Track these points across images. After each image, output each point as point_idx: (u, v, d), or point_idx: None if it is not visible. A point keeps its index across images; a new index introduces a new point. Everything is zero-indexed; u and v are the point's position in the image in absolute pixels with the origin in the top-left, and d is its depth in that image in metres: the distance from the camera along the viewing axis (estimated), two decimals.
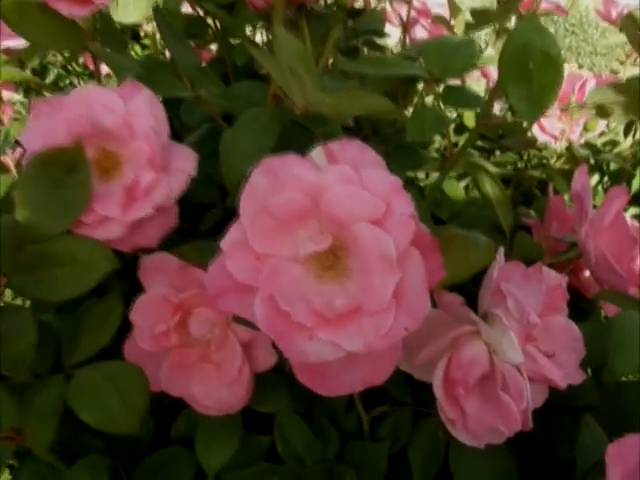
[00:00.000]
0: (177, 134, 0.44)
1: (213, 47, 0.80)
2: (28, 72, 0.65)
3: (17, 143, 0.64)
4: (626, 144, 0.89)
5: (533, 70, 0.37)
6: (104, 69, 0.71)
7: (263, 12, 0.57)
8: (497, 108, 0.90)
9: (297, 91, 0.35)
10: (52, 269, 0.37)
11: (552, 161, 0.82)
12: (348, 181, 0.27)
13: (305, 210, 0.28)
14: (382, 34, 0.76)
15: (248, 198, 0.28)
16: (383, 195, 0.26)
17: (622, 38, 0.82)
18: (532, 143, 0.79)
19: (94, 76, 1.28)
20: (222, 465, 0.42)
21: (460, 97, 0.51)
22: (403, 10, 0.83)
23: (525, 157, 0.85)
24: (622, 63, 0.97)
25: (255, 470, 0.44)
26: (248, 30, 0.73)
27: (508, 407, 0.33)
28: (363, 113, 0.37)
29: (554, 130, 0.81)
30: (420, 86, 0.67)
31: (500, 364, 0.34)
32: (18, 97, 0.79)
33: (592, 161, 0.84)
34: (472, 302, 0.37)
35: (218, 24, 0.65)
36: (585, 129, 0.83)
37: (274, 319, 0.27)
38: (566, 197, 0.70)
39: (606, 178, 0.88)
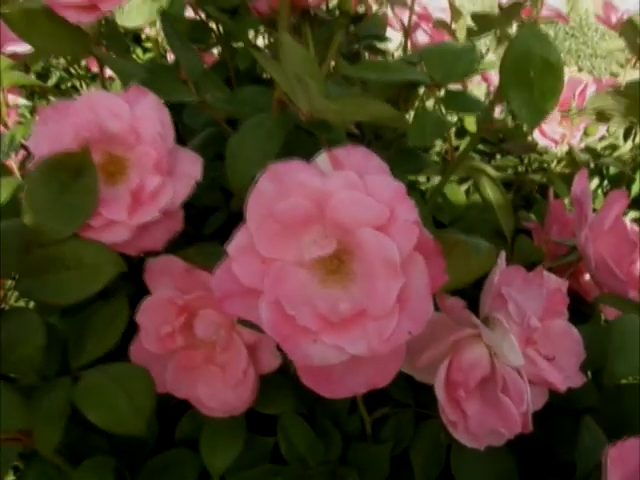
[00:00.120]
0: (180, 138, 0.45)
1: (214, 50, 0.81)
2: (32, 76, 0.66)
3: (20, 146, 0.65)
4: (626, 148, 0.89)
5: (534, 77, 0.37)
6: (107, 71, 0.72)
7: (267, 17, 0.58)
8: (497, 111, 0.90)
9: (302, 97, 0.36)
10: (59, 273, 0.38)
11: (552, 165, 0.83)
12: (353, 187, 0.27)
13: (310, 215, 0.28)
14: (383, 38, 0.76)
15: (254, 203, 0.28)
16: (387, 201, 0.27)
17: (622, 43, 0.82)
18: (533, 147, 0.80)
19: (95, 79, 1.29)
20: (227, 466, 0.43)
21: (461, 102, 0.52)
22: (404, 15, 0.83)
23: (526, 161, 0.85)
24: (622, 66, 0.97)
25: (259, 471, 0.45)
26: (250, 34, 0.74)
27: (508, 409, 0.34)
28: (367, 119, 0.38)
29: (554, 134, 0.81)
30: (421, 90, 0.68)
31: (501, 367, 0.35)
32: (23, 101, 0.80)
33: (592, 165, 0.85)
34: (473, 306, 0.37)
35: (221, 28, 0.66)
36: (585, 133, 0.84)
37: (279, 322, 0.27)
38: (566, 201, 0.70)
39: (606, 182, 0.89)
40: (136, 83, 0.42)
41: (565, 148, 0.82)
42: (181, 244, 0.42)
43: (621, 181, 0.84)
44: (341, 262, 0.29)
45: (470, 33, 0.75)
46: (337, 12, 0.55)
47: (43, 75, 1.29)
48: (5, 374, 0.37)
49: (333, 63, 0.57)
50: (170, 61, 0.93)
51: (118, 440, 0.45)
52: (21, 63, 0.63)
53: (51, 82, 1.27)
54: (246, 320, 0.29)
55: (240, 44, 0.67)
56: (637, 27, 0.65)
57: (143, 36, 1.25)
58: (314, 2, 0.51)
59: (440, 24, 0.82)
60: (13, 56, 0.59)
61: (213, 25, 0.66)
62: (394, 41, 0.87)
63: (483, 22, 0.78)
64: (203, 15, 0.65)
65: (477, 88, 1.07)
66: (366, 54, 0.77)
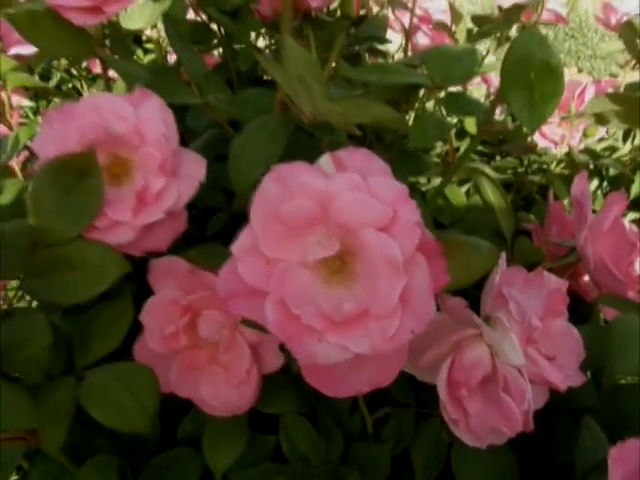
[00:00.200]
0: (182, 139, 0.45)
1: (215, 52, 0.81)
2: (36, 78, 0.66)
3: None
4: (625, 150, 0.90)
5: (534, 80, 0.37)
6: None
7: (269, 20, 0.58)
8: (497, 112, 0.91)
9: (305, 100, 0.36)
10: (64, 273, 0.38)
11: (552, 166, 0.83)
12: (356, 189, 0.28)
13: (314, 216, 0.28)
14: (384, 40, 0.76)
15: (259, 205, 0.29)
16: (390, 202, 0.27)
17: (621, 44, 0.83)
18: (532, 148, 0.80)
19: (96, 80, 1.29)
20: (229, 465, 0.43)
21: (462, 104, 0.52)
22: (405, 17, 0.84)
23: (525, 162, 0.86)
24: (621, 67, 0.97)
25: (261, 470, 0.45)
26: (251, 35, 0.74)
27: (510, 408, 0.34)
28: (369, 122, 0.38)
29: (554, 136, 0.82)
30: (421, 92, 0.68)
31: (502, 366, 0.35)
32: (27, 102, 0.80)
33: (591, 166, 0.85)
34: (473, 306, 0.37)
35: (222, 30, 0.66)
36: (585, 135, 0.84)
37: (284, 322, 0.27)
38: (566, 202, 0.71)
39: (605, 183, 0.89)
40: (140, 85, 0.42)
41: (564, 149, 0.82)
42: (183, 245, 0.43)
43: (620, 182, 0.84)
44: (344, 263, 0.29)
45: (471, 38, 0.76)
46: (338, 14, 0.55)
47: (44, 76, 1.29)
48: (11, 373, 0.37)
49: (334, 65, 0.58)
50: (171, 62, 0.94)
51: (121, 439, 0.46)
52: (24, 65, 0.64)
53: (52, 83, 1.28)
54: (249, 320, 0.29)
55: (241, 45, 0.67)
56: (636, 29, 0.65)
57: (144, 37, 1.26)
58: (317, 5, 0.51)
59: (440, 26, 0.83)
60: (17, 58, 0.59)
61: (214, 27, 0.66)
62: (394, 42, 0.88)
63: (483, 24, 0.79)
64: (204, 17, 0.65)
65: (477, 89, 1.08)
66: (366, 56, 0.77)
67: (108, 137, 0.39)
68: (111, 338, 0.41)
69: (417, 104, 0.73)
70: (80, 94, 1.28)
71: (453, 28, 0.82)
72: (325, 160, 0.30)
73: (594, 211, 0.51)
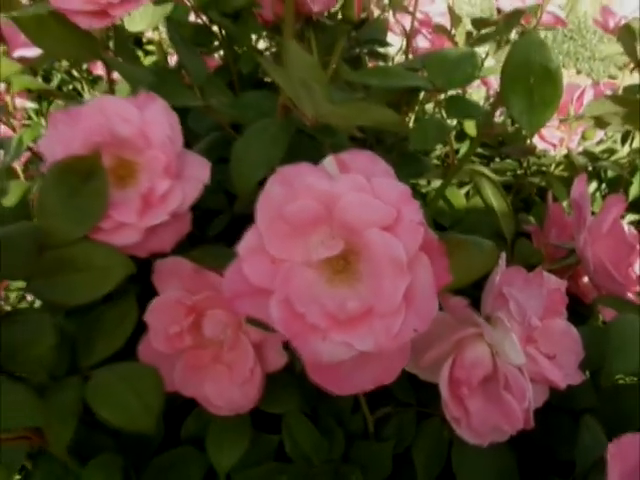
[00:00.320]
0: (184, 141, 0.46)
1: (215, 54, 0.82)
2: (40, 80, 0.67)
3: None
4: (623, 152, 0.90)
5: (534, 84, 0.38)
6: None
7: (272, 24, 0.58)
8: (497, 114, 0.91)
9: (307, 102, 0.37)
10: (70, 274, 0.38)
11: (551, 168, 0.84)
12: (360, 189, 0.28)
13: (318, 217, 0.29)
14: (384, 43, 0.77)
15: (264, 205, 0.29)
16: (393, 203, 0.28)
17: (620, 47, 0.83)
18: (531, 151, 0.81)
19: (97, 81, 1.29)
20: (233, 464, 0.43)
21: (462, 107, 0.52)
22: (405, 19, 0.84)
23: (524, 164, 0.86)
24: (620, 69, 0.98)
25: (264, 470, 0.45)
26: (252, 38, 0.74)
27: (510, 406, 0.35)
28: (371, 124, 0.39)
29: (553, 138, 0.82)
30: (421, 94, 0.68)
31: (502, 365, 0.35)
32: (30, 104, 0.81)
33: (590, 168, 0.85)
34: (473, 306, 0.38)
35: (223, 33, 0.66)
36: (583, 138, 0.84)
37: (289, 320, 0.28)
38: (565, 204, 0.71)
39: (604, 185, 0.89)
40: (143, 88, 0.43)
41: (563, 152, 0.82)
42: (185, 246, 0.43)
43: (619, 184, 0.84)
44: (348, 262, 0.30)
45: (470, 39, 0.76)
46: (339, 18, 0.56)
47: (45, 77, 1.30)
48: (17, 373, 0.37)
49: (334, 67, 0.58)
50: (171, 64, 0.94)
51: (124, 439, 0.46)
52: (27, 66, 0.64)
53: (52, 84, 1.28)
54: (254, 319, 0.30)
55: (242, 48, 0.68)
56: (634, 33, 0.66)
57: (144, 39, 1.26)
58: (318, 9, 0.52)
59: (440, 29, 0.83)
60: (21, 60, 0.60)
61: (215, 29, 0.67)
62: (394, 45, 0.88)
63: (482, 27, 0.79)
64: (205, 19, 0.66)
65: (476, 92, 1.08)
66: (367, 58, 0.77)
67: (113, 139, 0.40)
68: (116, 338, 0.41)
69: (417, 106, 0.74)
70: (81, 95, 1.28)
71: (452, 31, 0.83)
72: (329, 162, 0.30)
73: (593, 213, 0.51)
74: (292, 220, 0.29)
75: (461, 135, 0.89)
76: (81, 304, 0.39)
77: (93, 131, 0.39)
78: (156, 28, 0.83)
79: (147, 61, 1.20)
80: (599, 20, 1.05)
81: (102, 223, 0.39)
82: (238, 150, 0.43)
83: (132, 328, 0.41)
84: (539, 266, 0.52)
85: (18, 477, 0.58)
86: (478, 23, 0.81)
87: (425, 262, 0.28)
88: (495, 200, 0.55)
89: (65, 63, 1.27)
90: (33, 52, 0.59)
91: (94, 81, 1.28)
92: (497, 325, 0.36)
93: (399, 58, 0.94)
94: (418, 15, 0.85)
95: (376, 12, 0.85)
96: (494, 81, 1.02)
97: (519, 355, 0.34)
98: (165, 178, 0.39)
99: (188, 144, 0.52)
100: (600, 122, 0.46)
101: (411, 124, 0.77)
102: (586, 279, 0.56)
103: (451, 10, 0.82)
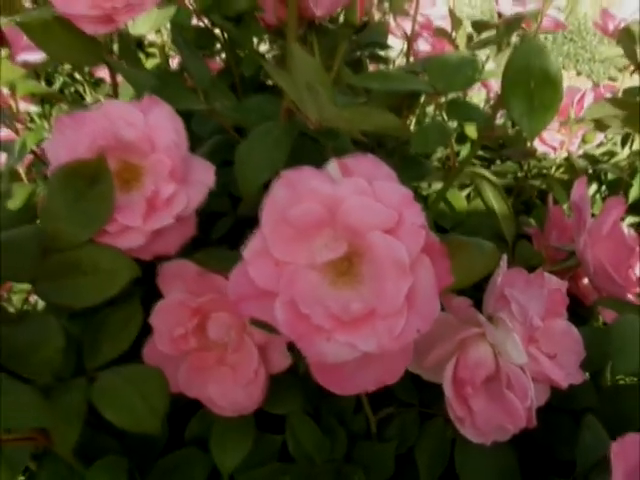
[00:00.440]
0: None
1: (217, 57, 0.82)
2: (43, 84, 0.67)
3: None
4: (623, 154, 0.90)
5: (534, 88, 0.38)
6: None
7: (274, 28, 0.59)
8: (497, 116, 0.91)
9: (312, 106, 0.37)
10: (76, 277, 0.39)
11: (551, 171, 0.84)
12: (363, 193, 0.28)
13: (322, 220, 0.29)
14: (385, 46, 0.77)
15: (269, 209, 0.29)
16: (395, 206, 0.28)
17: (620, 50, 0.84)
18: (532, 153, 0.81)
19: (99, 84, 1.29)
20: (237, 465, 0.43)
21: (463, 110, 0.53)
22: (406, 23, 0.84)
23: (525, 167, 0.86)
24: (620, 70, 0.98)
25: (268, 470, 0.46)
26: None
27: (513, 405, 0.35)
28: (373, 129, 0.39)
29: (553, 141, 0.82)
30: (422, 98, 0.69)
31: (505, 365, 0.36)
32: (34, 108, 0.81)
33: (590, 171, 0.86)
34: (474, 307, 0.38)
35: (226, 36, 0.67)
36: (583, 140, 0.85)
37: (294, 322, 0.28)
38: (565, 207, 0.72)
39: (604, 187, 0.90)
40: (146, 91, 0.43)
41: (564, 154, 0.83)
42: (189, 248, 0.43)
43: (619, 187, 0.85)
44: (351, 264, 0.30)
45: (470, 42, 0.77)
46: (342, 22, 0.56)
47: (47, 80, 1.30)
48: (23, 375, 0.38)
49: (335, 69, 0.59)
50: (173, 66, 0.94)
51: (128, 440, 0.46)
52: (31, 70, 0.65)
53: (55, 87, 1.29)
54: (259, 320, 0.30)
55: (244, 51, 0.68)
56: (634, 35, 0.66)
57: (145, 42, 1.27)
58: (321, 13, 0.52)
59: (441, 32, 0.84)
60: (25, 64, 0.60)
61: (217, 32, 0.67)
62: (394, 48, 0.89)
63: (483, 29, 0.80)
64: (207, 22, 0.66)
65: (477, 95, 1.09)
66: (368, 61, 0.78)
67: (118, 143, 0.40)
68: (121, 341, 0.41)
69: (418, 109, 0.74)
70: (83, 98, 1.29)
71: (453, 34, 0.83)
72: (332, 166, 0.31)
73: (593, 215, 0.52)
74: (296, 223, 0.29)
75: (462, 138, 0.89)
76: (87, 307, 0.39)
77: (98, 135, 0.40)
78: (158, 31, 0.83)
79: (149, 64, 1.21)
80: (599, 23, 1.06)
81: (107, 226, 0.39)
82: (242, 153, 0.43)
83: (137, 330, 0.41)
84: (540, 268, 0.52)
85: (22, 478, 0.58)
86: (479, 26, 0.82)
87: (427, 264, 0.28)
88: (496, 202, 0.55)
89: (67, 66, 1.27)
90: (36, 56, 0.59)
91: (96, 83, 1.29)
92: (499, 325, 0.36)
93: (400, 61, 0.94)
94: (419, 18, 0.86)
95: (377, 15, 0.86)
96: (494, 84, 1.02)
97: (521, 355, 0.35)
98: (170, 182, 0.40)
99: (191, 147, 0.53)
100: (600, 125, 0.47)
101: (412, 127, 0.77)
102: (586, 281, 0.57)
103: (452, 13, 0.82)
